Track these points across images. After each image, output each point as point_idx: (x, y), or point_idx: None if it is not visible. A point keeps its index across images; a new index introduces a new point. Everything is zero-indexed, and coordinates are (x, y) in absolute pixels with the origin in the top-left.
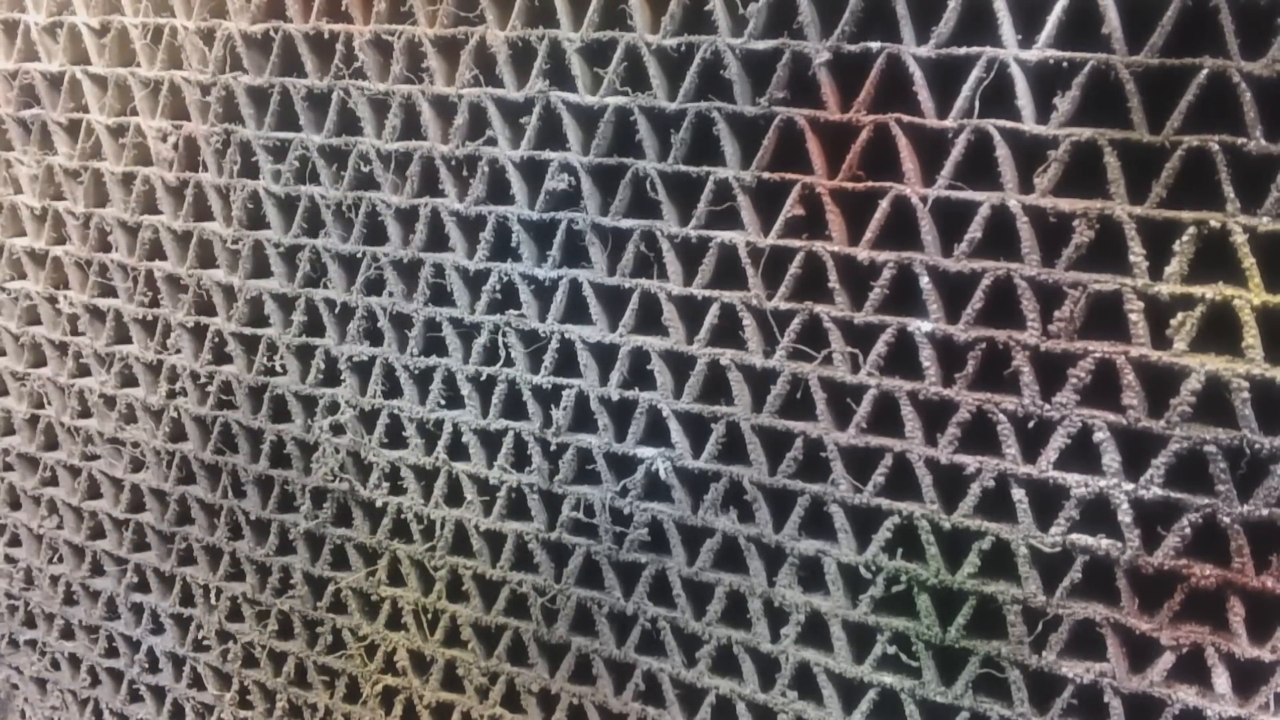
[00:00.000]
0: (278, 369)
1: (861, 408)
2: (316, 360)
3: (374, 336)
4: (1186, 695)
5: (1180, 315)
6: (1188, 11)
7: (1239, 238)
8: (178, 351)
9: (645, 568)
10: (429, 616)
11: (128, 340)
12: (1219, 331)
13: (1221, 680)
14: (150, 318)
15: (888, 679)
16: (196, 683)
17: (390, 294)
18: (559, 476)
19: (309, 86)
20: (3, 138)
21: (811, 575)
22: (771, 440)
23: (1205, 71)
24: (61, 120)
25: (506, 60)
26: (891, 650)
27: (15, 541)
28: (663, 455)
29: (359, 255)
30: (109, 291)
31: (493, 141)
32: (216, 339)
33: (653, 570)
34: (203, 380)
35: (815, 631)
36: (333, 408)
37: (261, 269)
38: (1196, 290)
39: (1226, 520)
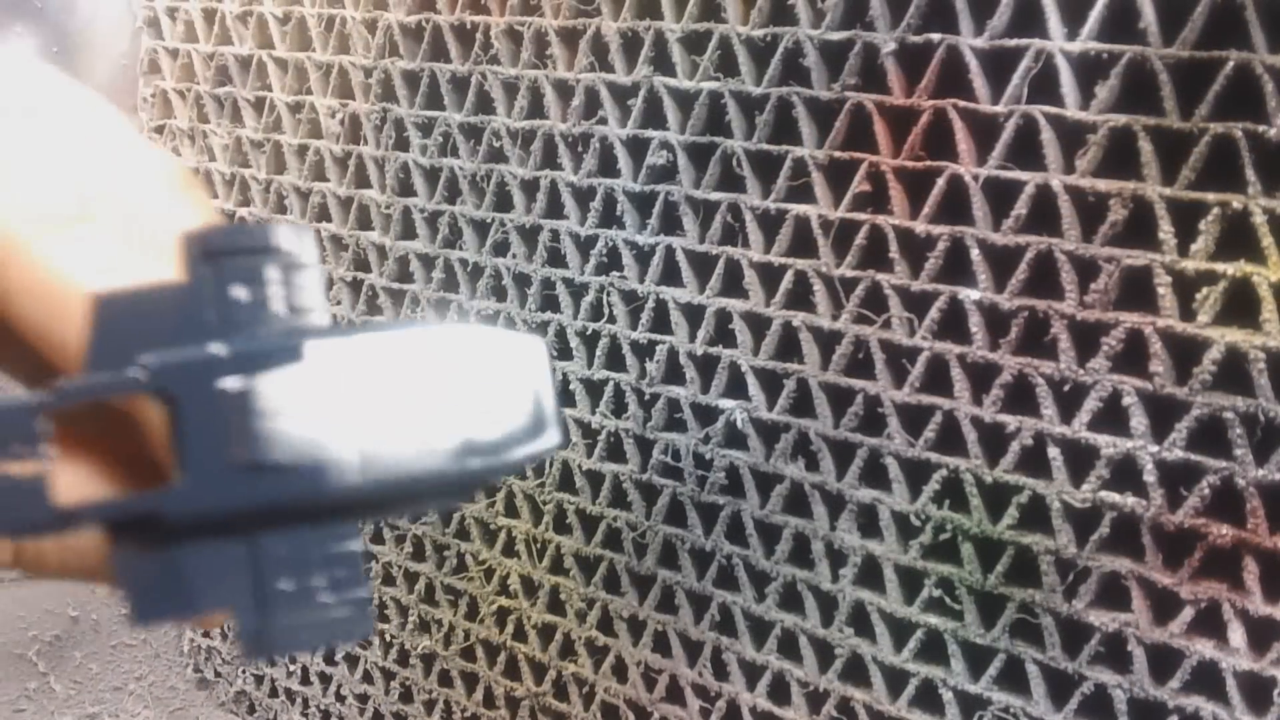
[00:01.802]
0: (419, 320)
1: (916, 368)
2: (451, 313)
3: (499, 293)
4: (1204, 648)
5: (1204, 290)
6: (1217, 8)
7: (1259, 218)
8: (338, 303)
9: (723, 509)
10: (538, 546)
11: None
12: (1240, 306)
13: (1237, 635)
14: None
15: (933, 620)
16: None
17: (514, 255)
18: (651, 423)
19: (453, 71)
20: (200, 112)
21: (868, 522)
22: (836, 396)
23: (1231, 64)
24: (249, 97)
25: (618, 49)
26: (937, 594)
27: None
28: (741, 407)
29: (489, 221)
30: None
31: (604, 121)
32: (370, 292)
33: (729, 511)
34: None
35: (870, 574)
36: None
37: (409, 231)
38: (1219, 267)
39: (1243, 483)
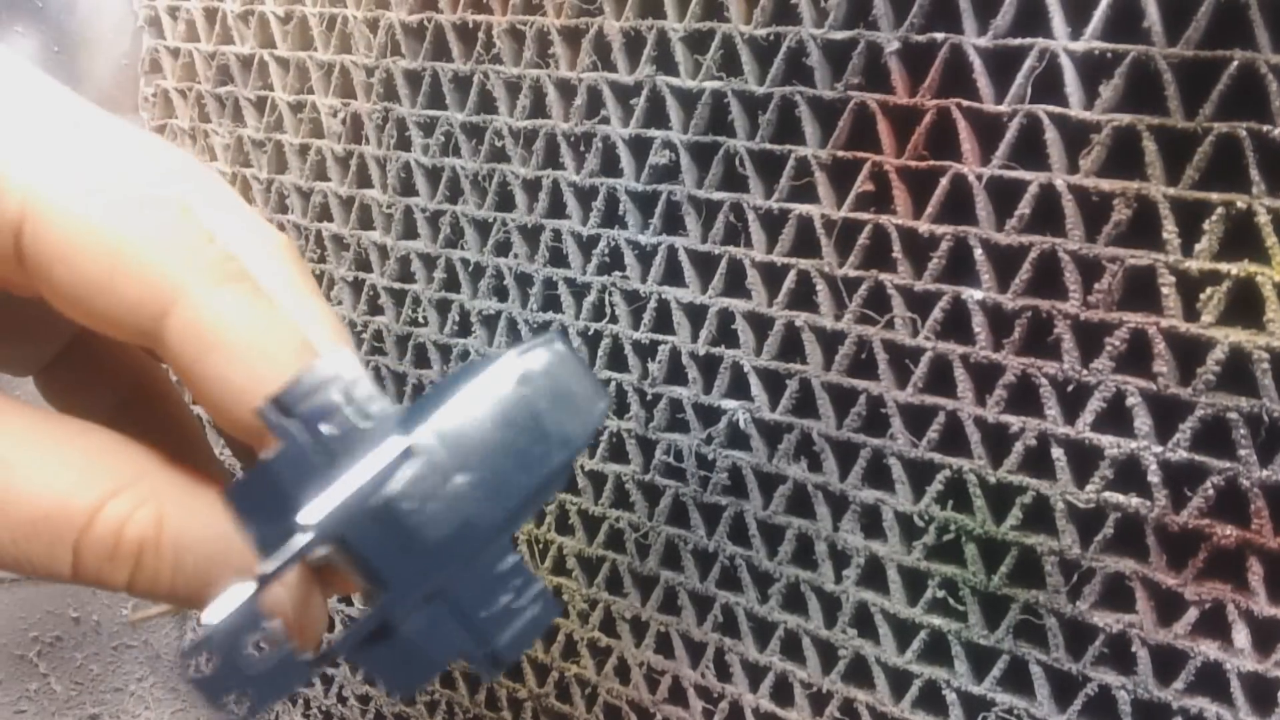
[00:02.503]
0: (420, 320)
1: (919, 368)
2: (453, 313)
3: (501, 293)
4: (1209, 649)
5: (1208, 290)
6: (1221, 7)
7: (1263, 218)
8: (339, 303)
9: (725, 509)
10: (539, 546)
11: None
12: (1244, 306)
13: (1241, 636)
14: (318, 272)
15: (937, 621)
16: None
17: (516, 255)
18: (653, 424)
19: (455, 70)
20: (202, 111)
21: (871, 522)
22: (839, 396)
23: (1235, 63)
24: (251, 97)
25: (620, 48)
26: (941, 595)
27: None
28: (743, 407)
29: (491, 220)
30: None
31: (606, 120)
32: (371, 292)
33: (732, 512)
34: (359, 329)
35: (873, 575)
36: (464, 356)
37: (410, 231)
38: (1223, 267)
39: (1247, 484)
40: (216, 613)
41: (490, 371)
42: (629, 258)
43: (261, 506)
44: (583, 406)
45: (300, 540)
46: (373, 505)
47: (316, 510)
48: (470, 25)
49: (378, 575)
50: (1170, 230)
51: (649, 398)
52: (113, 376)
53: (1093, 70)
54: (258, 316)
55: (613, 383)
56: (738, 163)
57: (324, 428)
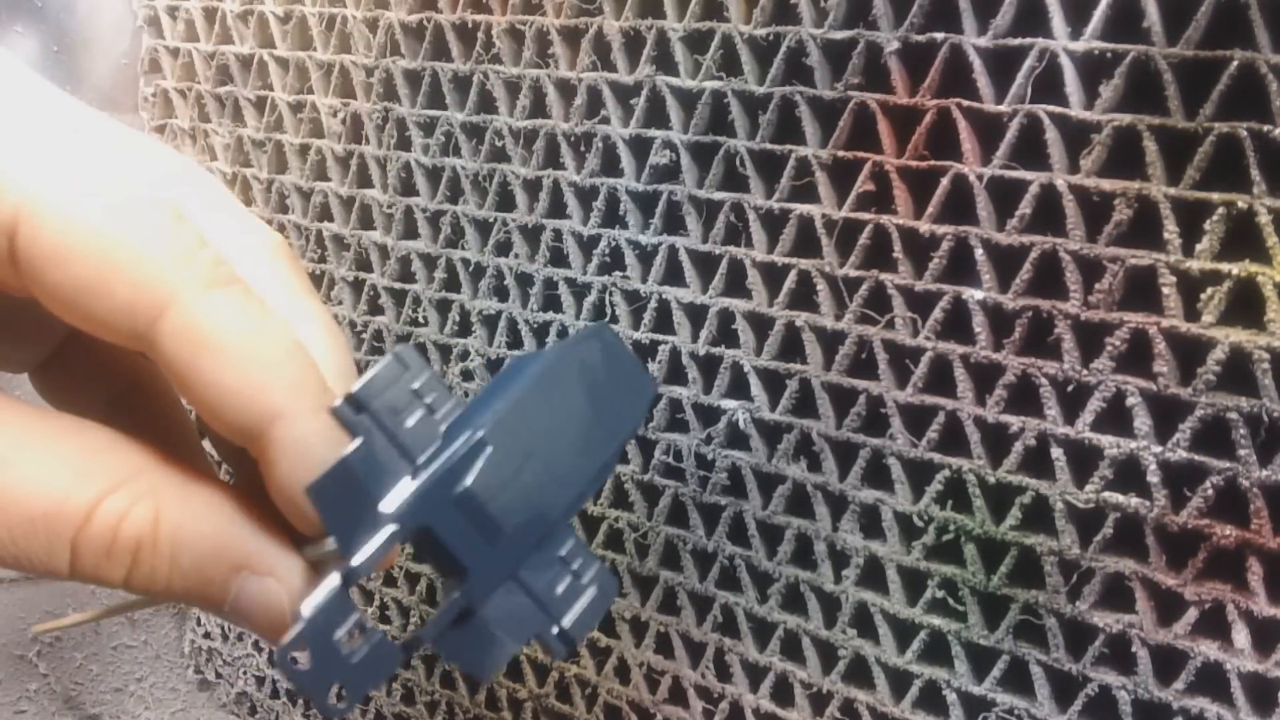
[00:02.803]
0: (420, 320)
1: (919, 368)
2: (453, 313)
3: (501, 293)
4: (1209, 649)
5: (1209, 290)
6: (1221, 7)
7: (1264, 218)
8: (339, 303)
9: (725, 509)
10: None
11: None
12: (1244, 306)
13: (1241, 636)
14: (319, 272)
15: (937, 621)
16: None
17: (516, 255)
18: (653, 424)
19: (455, 70)
20: (202, 111)
21: (870, 523)
22: (838, 396)
23: (1235, 63)
24: (250, 96)
25: (620, 47)
26: (940, 595)
27: None
28: (743, 407)
29: (491, 220)
30: None
31: (606, 120)
32: (372, 292)
33: (731, 512)
34: (359, 329)
35: (873, 575)
36: (464, 355)
37: (411, 231)
38: (1224, 267)
39: (1246, 484)
40: (309, 606)
41: (549, 363)
42: (629, 258)
43: (341, 502)
44: (634, 391)
45: (386, 532)
46: (453, 496)
47: (399, 502)
48: (470, 25)
49: (460, 563)
50: (1171, 230)
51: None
52: (107, 374)
53: (1093, 70)
54: (249, 319)
55: None
56: (738, 163)
57: (397, 423)
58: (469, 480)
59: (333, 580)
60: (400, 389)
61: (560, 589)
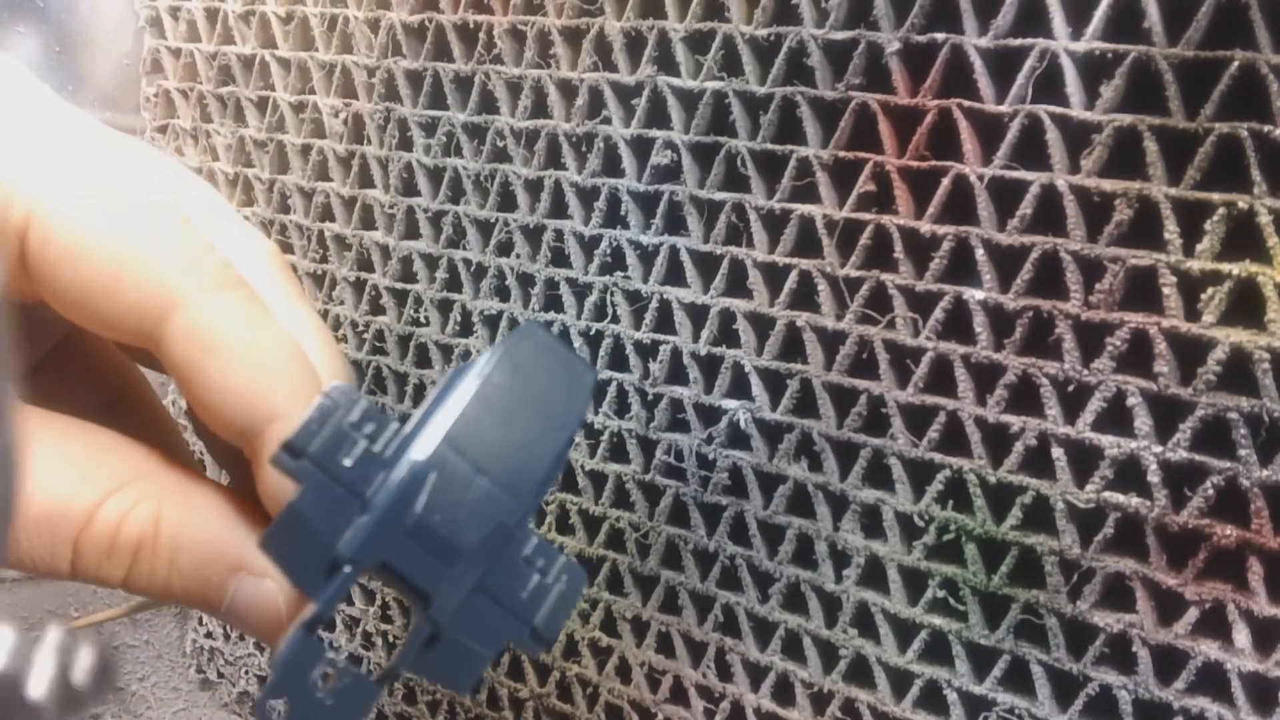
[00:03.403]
0: (422, 320)
1: (920, 368)
2: (454, 313)
3: (502, 293)
4: (1209, 649)
5: (1209, 290)
6: (1221, 7)
7: (1265, 218)
8: (341, 303)
9: (726, 509)
10: None
11: None
12: (1244, 306)
13: (1242, 636)
14: (320, 272)
15: (937, 621)
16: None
17: (518, 255)
18: (654, 424)
19: (456, 70)
20: (204, 111)
21: (871, 522)
22: (839, 396)
23: (1236, 63)
24: (252, 97)
25: (621, 48)
26: (941, 595)
27: None
28: (744, 407)
29: (493, 220)
30: (287, 249)
31: (608, 120)
32: (373, 292)
33: (732, 512)
34: (360, 329)
35: (874, 575)
36: (465, 356)
37: (412, 231)
38: (1224, 267)
39: (1247, 484)
40: (279, 657)
41: (482, 371)
42: (631, 258)
43: (296, 549)
44: (574, 384)
45: (343, 575)
46: (404, 526)
47: (351, 543)
48: (471, 25)
49: (421, 590)
50: (1171, 230)
51: (650, 398)
52: (99, 378)
53: (1094, 70)
54: (254, 321)
55: (614, 382)
56: (739, 163)
57: (337, 462)
58: (418, 509)
59: (298, 627)
60: (335, 428)
61: (526, 591)
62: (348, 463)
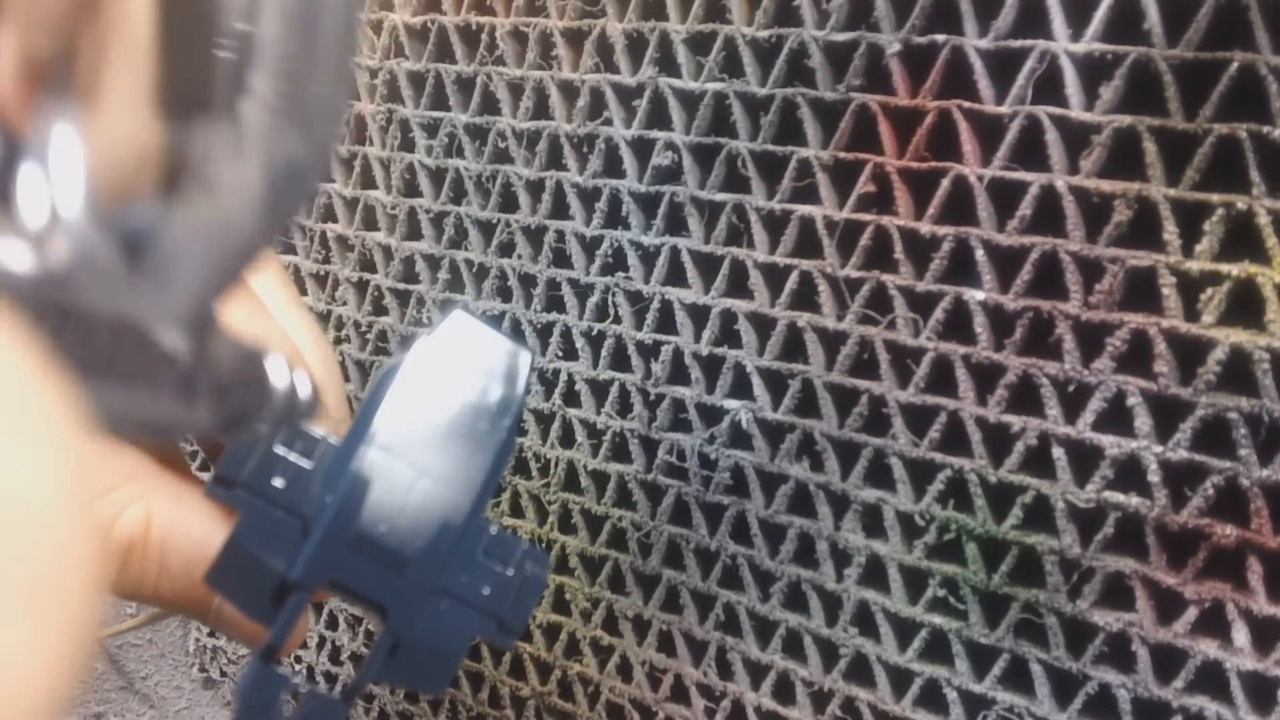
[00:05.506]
0: (424, 320)
1: (920, 369)
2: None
3: (504, 294)
4: (1208, 648)
5: (1209, 290)
6: (1221, 9)
7: (1263, 219)
8: (344, 304)
9: (727, 509)
10: (543, 545)
11: (304, 293)
12: (1244, 307)
13: (1241, 635)
14: (323, 273)
15: (938, 620)
16: None
17: (519, 256)
18: (656, 423)
19: (458, 71)
20: None
21: (872, 522)
22: (840, 396)
23: (1236, 64)
24: None
25: (623, 49)
26: (941, 594)
27: None
28: (746, 407)
29: (494, 221)
30: (289, 250)
31: (609, 122)
32: (376, 293)
33: (734, 511)
34: (363, 329)
35: (874, 574)
36: None
37: (414, 232)
38: (1224, 268)
39: (1247, 483)
40: (238, 691)
41: (408, 368)
42: (632, 259)
43: (243, 580)
44: (508, 367)
45: (293, 599)
46: (348, 541)
47: (297, 567)
48: (473, 27)
49: (376, 603)
50: (1171, 231)
51: (652, 398)
52: None
53: (1093, 72)
54: (256, 325)
55: (616, 383)
56: (740, 164)
57: (270, 486)
58: (360, 521)
59: (255, 658)
60: (263, 452)
61: (488, 586)
62: (280, 484)
